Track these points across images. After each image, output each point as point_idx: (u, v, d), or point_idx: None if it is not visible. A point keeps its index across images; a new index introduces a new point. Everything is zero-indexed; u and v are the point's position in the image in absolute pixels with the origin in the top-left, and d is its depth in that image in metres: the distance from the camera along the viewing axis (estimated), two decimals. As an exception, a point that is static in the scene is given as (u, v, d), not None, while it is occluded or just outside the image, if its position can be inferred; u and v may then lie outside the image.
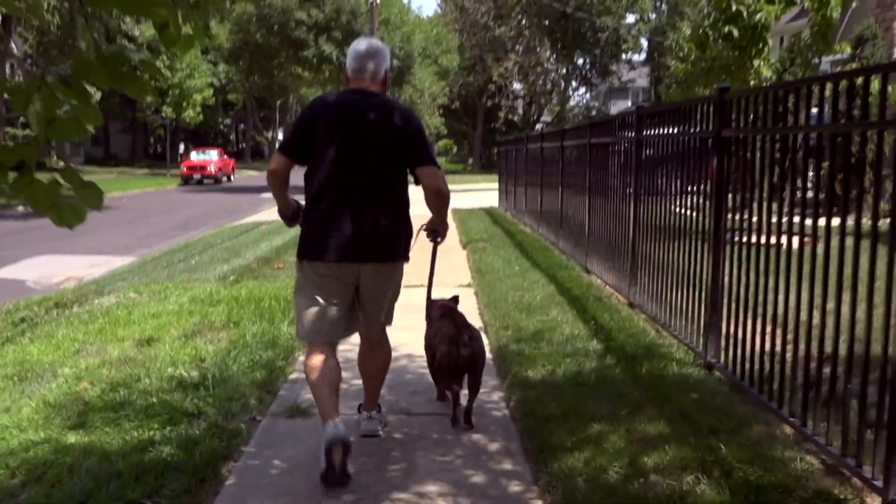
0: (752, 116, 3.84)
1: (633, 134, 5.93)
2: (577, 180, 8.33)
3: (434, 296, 4.27)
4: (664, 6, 46.61)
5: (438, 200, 3.31)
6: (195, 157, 36.43)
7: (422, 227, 3.57)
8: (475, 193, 23.15)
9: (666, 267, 5.14)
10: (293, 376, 4.59)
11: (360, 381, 3.80)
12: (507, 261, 8.48)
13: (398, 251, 3.32)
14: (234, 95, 59.15)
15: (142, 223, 18.23)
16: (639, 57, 49.91)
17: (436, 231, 3.61)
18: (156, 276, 8.72)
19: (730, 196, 4.20)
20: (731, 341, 4.03)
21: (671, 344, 4.80)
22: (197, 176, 34.82)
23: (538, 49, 42.25)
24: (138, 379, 4.31)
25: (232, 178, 37.57)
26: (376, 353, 3.58)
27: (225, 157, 37.85)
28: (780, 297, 3.49)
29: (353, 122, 3.23)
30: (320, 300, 3.29)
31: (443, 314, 4.05)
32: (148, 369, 4.51)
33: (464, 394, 3.72)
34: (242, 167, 52.67)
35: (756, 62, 9.17)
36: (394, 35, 29.85)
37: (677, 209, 5.11)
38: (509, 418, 3.81)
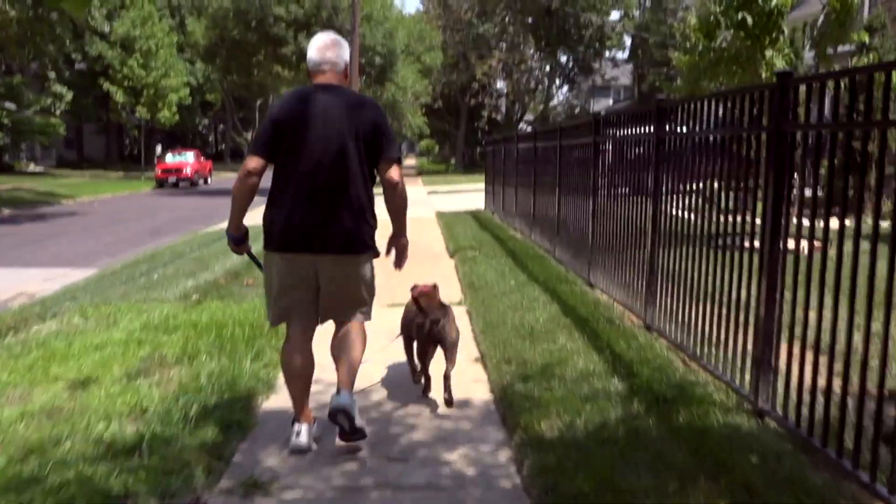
0: (823, 107, 3.07)
1: (653, 129, 5.16)
2: (577, 182, 7.57)
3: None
4: (647, 2, 46.06)
5: (395, 196, 3.37)
6: (170, 159, 35.33)
7: (387, 253, 3.59)
8: (460, 195, 22.37)
9: (695, 285, 4.38)
10: (254, 432, 3.77)
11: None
12: (500, 272, 7.70)
13: (360, 245, 3.37)
14: (212, 95, 58.01)
15: (110, 229, 17.27)
16: (622, 55, 49.41)
17: (400, 254, 3.61)
18: (111, 293, 7.85)
19: (786, 202, 3.43)
20: (791, 383, 3.27)
21: (706, 381, 4.03)
22: (172, 178, 33.73)
23: (522, 47, 41.52)
24: (59, 441, 3.47)
25: (209, 180, 36.52)
26: (343, 334, 3.53)
27: (202, 158, 36.78)
28: (860, 329, 2.73)
29: (315, 117, 3.27)
30: (285, 288, 3.42)
31: (419, 294, 4.20)
32: (74, 425, 3.68)
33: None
34: (221, 169, 51.55)
35: (769, 52, 8.44)
36: (376, 31, 29.00)
37: (703, 214, 4.36)
38: (523, 491, 3.03)
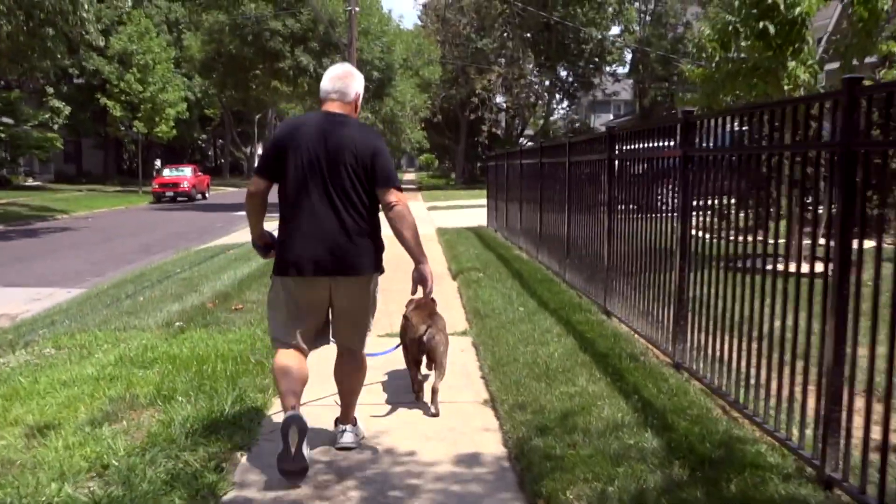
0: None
1: (677, 144, 4.66)
2: (589, 201, 7.06)
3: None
4: (648, 18, 45.81)
5: (396, 221, 3.42)
6: (168, 173, 34.91)
7: (413, 291, 3.73)
8: (460, 211, 21.89)
9: (736, 318, 3.87)
10: (229, 496, 3.23)
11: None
12: (507, 297, 7.17)
13: (366, 266, 3.45)
14: (211, 110, 57.67)
15: (103, 246, 16.75)
16: (623, 70, 49.09)
17: (421, 284, 3.63)
18: (91, 319, 7.33)
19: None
20: (868, 449, 2.74)
21: (755, 437, 3.49)
22: (170, 193, 33.29)
23: (521, 61, 41.20)
24: (-3, 511, 2.95)
25: (207, 195, 36.07)
26: (350, 365, 3.67)
27: (199, 173, 36.38)
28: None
29: (317, 144, 3.38)
30: (290, 314, 3.51)
31: (416, 306, 4.42)
32: (21, 489, 3.15)
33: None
34: (220, 183, 51.13)
35: (791, 63, 7.96)
36: (374, 45, 28.63)
37: (742, 235, 3.85)
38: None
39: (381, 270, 3.57)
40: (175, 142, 50.38)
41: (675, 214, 4.82)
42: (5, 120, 35.88)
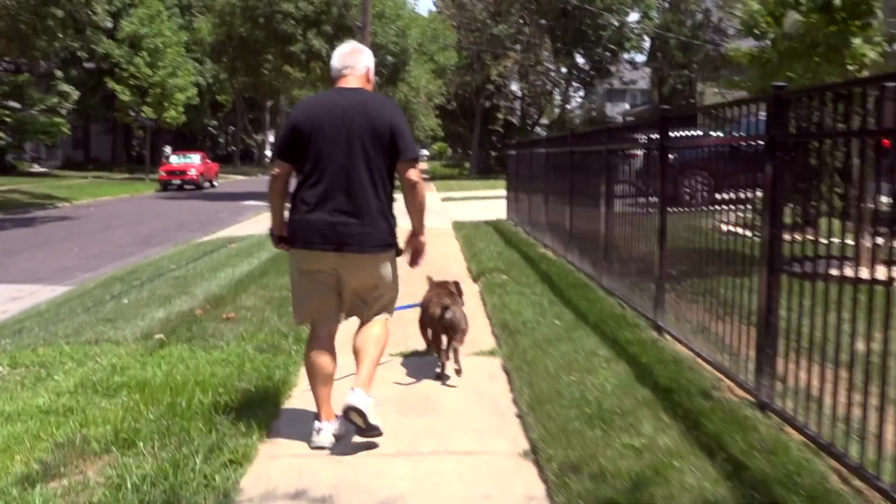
0: None
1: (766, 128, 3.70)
2: (635, 195, 6.11)
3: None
4: (667, 4, 44.37)
5: (413, 196, 3.48)
6: (175, 160, 34.13)
7: (405, 252, 3.70)
8: (476, 203, 20.90)
9: (848, 350, 2.93)
10: None
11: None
12: (538, 306, 6.24)
13: (379, 243, 3.44)
14: (223, 96, 56.82)
15: (99, 237, 15.94)
16: (641, 57, 47.72)
17: (417, 252, 3.71)
18: (64, 326, 6.47)
19: None
20: None
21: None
22: (177, 181, 32.51)
23: (539, 48, 40.00)
24: None
25: (215, 183, 35.28)
26: (366, 327, 3.61)
27: (208, 160, 35.57)
28: None
29: (334, 119, 3.38)
30: (308, 286, 3.56)
31: (438, 284, 4.76)
32: None
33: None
34: (231, 171, 50.39)
35: (856, 40, 6.95)
36: (388, 29, 27.60)
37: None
38: None
39: (396, 249, 3.57)
40: (185, 128, 49.69)
41: (754, 212, 3.87)
42: (12, 104, 35.19)
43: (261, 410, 3.92)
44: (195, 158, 34.09)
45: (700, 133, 5.07)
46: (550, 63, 43.20)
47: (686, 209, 5.11)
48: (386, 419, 3.70)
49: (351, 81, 3.52)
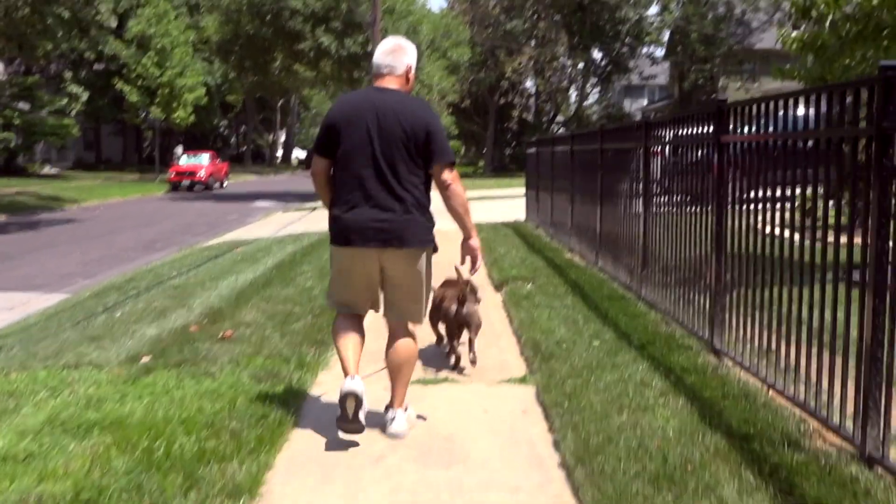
0: None
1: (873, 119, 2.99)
2: (684, 197, 5.41)
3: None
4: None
5: (451, 198, 3.49)
6: (185, 161, 33.61)
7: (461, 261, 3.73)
8: (492, 203, 20.22)
9: None
10: None
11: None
12: (572, 323, 5.55)
13: (414, 239, 3.47)
14: (233, 96, 56.40)
15: (103, 241, 15.37)
16: (660, 52, 46.73)
17: (472, 258, 3.67)
18: (47, 345, 5.84)
19: None
20: None
21: None
22: (186, 182, 31.97)
23: (555, 40, 39.16)
24: None
25: (225, 183, 34.73)
26: (397, 346, 3.63)
27: (217, 161, 35.02)
28: None
29: (368, 120, 3.41)
30: (344, 280, 3.62)
31: (449, 282, 4.85)
32: None
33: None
34: (241, 171, 49.91)
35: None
36: (399, 25, 26.92)
37: None
38: None
39: (433, 246, 3.59)
40: (196, 129, 49.26)
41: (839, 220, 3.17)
42: (21, 105, 34.84)
43: (253, 461, 3.26)
44: (204, 159, 33.55)
45: (754, 127, 4.36)
46: (566, 58, 42.36)
47: (747, 211, 4.40)
48: (403, 471, 3.04)
49: (389, 81, 3.54)
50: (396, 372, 3.64)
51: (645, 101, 61.30)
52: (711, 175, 4.80)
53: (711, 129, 4.79)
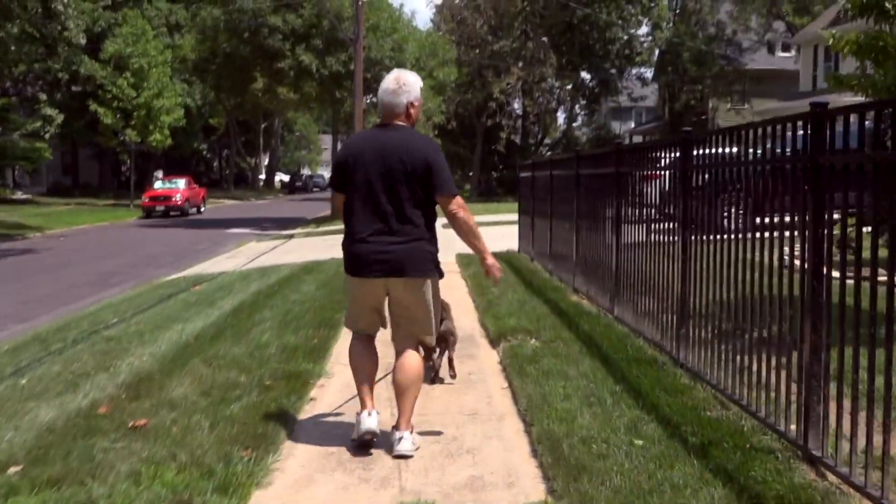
0: None
1: None
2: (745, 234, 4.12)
3: None
4: (676, 13, 42.61)
5: (459, 225, 3.80)
6: (159, 186, 32.18)
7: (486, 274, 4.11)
8: (482, 230, 18.83)
9: None
10: None
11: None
12: (598, 404, 4.22)
13: (417, 269, 3.74)
14: (215, 119, 55.06)
15: (54, 275, 13.92)
16: (649, 73, 45.88)
17: (491, 272, 4.03)
18: None
19: None
20: None
21: None
22: (161, 207, 30.53)
23: (544, 61, 38.14)
24: None
25: (202, 209, 33.29)
26: (404, 367, 3.84)
27: (194, 185, 33.60)
28: None
29: (373, 157, 3.71)
30: (358, 306, 3.93)
31: None
32: None
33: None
34: (223, 196, 48.48)
35: None
36: (383, 43, 25.78)
37: None
38: None
39: (438, 273, 3.89)
40: (175, 152, 47.81)
41: None
42: (-10, 129, 33.35)
43: None
44: (180, 183, 32.14)
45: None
46: (555, 79, 41.37)
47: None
48: None
49: (394, 118, 3.79)
50: (403, 392, 3.81)
51: (632, 124, 60.57)
52: (802, 199, 3.51)
53: (803, 147, 3.51)
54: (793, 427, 3.51)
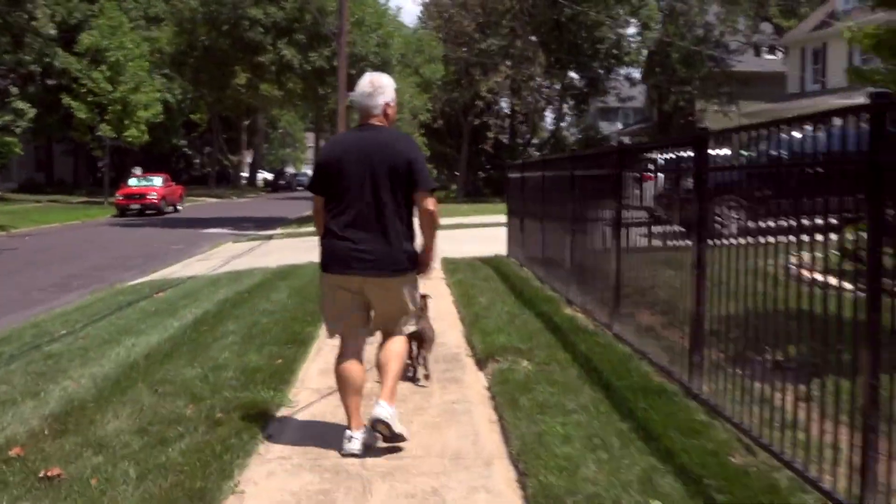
0: None
1: None
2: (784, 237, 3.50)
3: None
4: (665, 13, 42.08)
5: (429, 222, 3.87)
6: (134, 183, 31.19)
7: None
8: (468, 232, 18.25)
9: None
10: None
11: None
12: (602, 447, 3.57)
13: (395, 267, 3.79)
14: (197, 115, 53.98)
15: (12, 279, 13.09)
16: (638, 74, 45.37)
17: (424, 265, 4.00)
18: None
19: None
20: None
21: None
22: (136, 206, 29.58)
23: (532, 59, 37.49)
24: None
25: (179, 207, 32.36)
26: (386, 347, 3.94)
27: (171, 183, 32.66)
28: None
29: (356, 157, 3.79)
30: (337, 305, 3.91)
31: None
32: None
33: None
34: (204, 193, 47.46)
35: None
36: (368, 38, 25.04)
37: None
38: None
39: (417, 269, 3.93)
40: (154, 148, 46.73)
41: None
42: (-43, 123, 32.25)
43: None
44: (156, 181, 31.18)
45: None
46: (543, 78, 40.77)
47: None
48: None
49: (372, 120, 3.87)
50: (385, 366, 3.87)
51: (619, 125, 60.18)
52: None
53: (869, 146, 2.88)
54: (841, 485, 2.88)
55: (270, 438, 4.01)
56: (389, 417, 3.68)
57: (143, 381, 5.05)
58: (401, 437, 3.74)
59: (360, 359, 3.91)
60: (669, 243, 4.81)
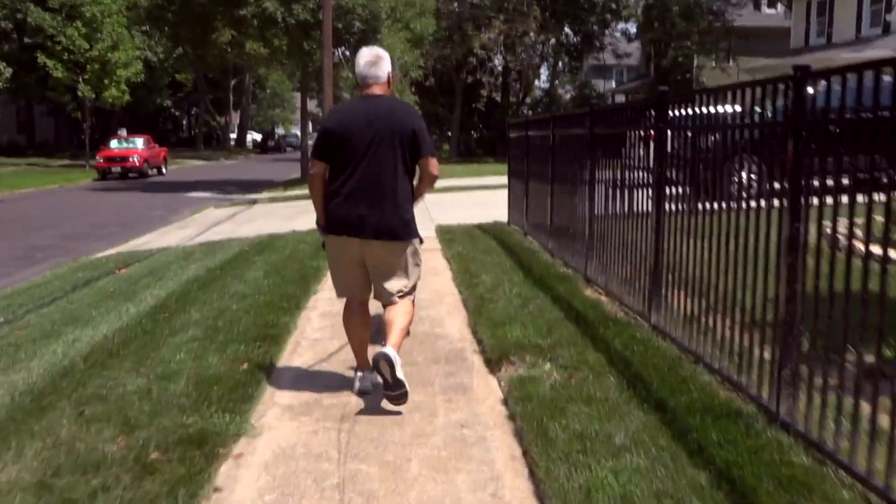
0: None
1: None
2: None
3: None
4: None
5: (429, 183, 4.06)
6: (115, 145, 29.83)
7: None
8: (463, 195, 17.13)
9: None
10: None
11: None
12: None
13: (399, 233, 3.89)
14: (182, 75, 52.15)
15: (-26, 249, 11.98)
16: (634, 29, 43.70)
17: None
18: None
19: None
20: None
21: None
22: (117, 168, 28.29)
23: (527, 13, 35.85)
24: None
25: (164, 170, 31.04)
26: (392, 307, 3.95)
27: (154, 145, 31.29)
28: None
29: (361, 125, 3.85)
30: (340, 266, 4.04)
31: None
32: None
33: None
34: (190, 155, 46.02)
35: None
36: (355, -10, 23.50)
37: None
38: None
39: (418, 238, 4.02)
40: (139, 109, 45.19)
41: None
42: (-72, 83, 30.67)
43: None
44: (138, 143, 29.83)
45: None
46: (538, 34, 39.13)
47: None
48: None
49: (375, 89, 3.97)
50: (391, 321, 3.89)
51: (613, 83, 58.64)
52: None
53: None
54: None
55: (217, 493, 2.97)
56: (395, 358, 3.66)
57: (70, 397, 4.00)
58: (402, 385, 3.66)
59: (366, 311, 4.10)
60: (742, 206, 3.74)
